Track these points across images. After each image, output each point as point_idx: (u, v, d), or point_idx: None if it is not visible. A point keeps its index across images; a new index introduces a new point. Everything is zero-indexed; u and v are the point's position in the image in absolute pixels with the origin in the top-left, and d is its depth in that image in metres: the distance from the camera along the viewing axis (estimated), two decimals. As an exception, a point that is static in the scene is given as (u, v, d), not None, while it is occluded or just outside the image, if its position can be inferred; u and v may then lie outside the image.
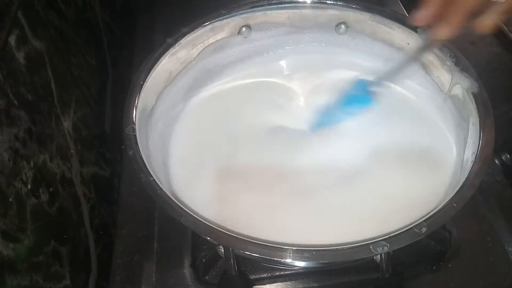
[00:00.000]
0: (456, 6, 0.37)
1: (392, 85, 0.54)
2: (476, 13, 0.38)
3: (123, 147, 0.43)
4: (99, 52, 0.68)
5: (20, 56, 0.42)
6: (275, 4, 0.56)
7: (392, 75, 0.50)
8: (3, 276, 0.36)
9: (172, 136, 0.54)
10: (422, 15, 0.40)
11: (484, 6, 0.38)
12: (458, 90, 0.49)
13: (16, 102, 0.40)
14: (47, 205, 0.44)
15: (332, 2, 0.56)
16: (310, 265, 0.47)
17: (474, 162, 0.41)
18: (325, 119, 0.53)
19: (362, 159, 0.51)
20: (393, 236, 0.36)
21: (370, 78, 0.51)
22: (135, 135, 0.44)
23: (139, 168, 0.41)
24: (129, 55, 0.72)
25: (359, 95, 0.51)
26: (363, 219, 0.46)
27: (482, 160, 0.41)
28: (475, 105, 0.45)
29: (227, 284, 0.41)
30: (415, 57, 0.49)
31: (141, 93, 0.47)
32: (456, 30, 0.39)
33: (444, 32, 0.39)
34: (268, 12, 0.56)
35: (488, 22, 0.38)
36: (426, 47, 0.47)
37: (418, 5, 0.40)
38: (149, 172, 0.41)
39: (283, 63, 0.61)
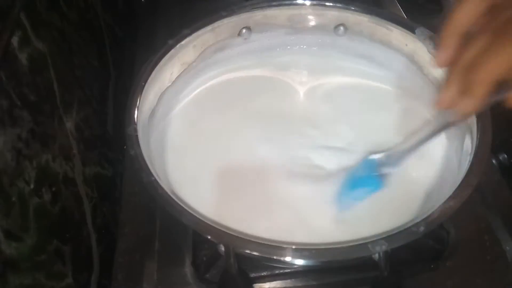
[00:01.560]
0: (480, 73, 0.29)
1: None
2: (507, 81, 0.29)
3: (125, 147, 0.43)
4: (101, 53, 0.68)
5: (23, 57, 0.43)
6: (274, 6, 0.56)
7: (405, 154, 0.44)
8: (6, 275, 0.36)
9: (173, 135, 0.55)
10: (444, 96, 0.33)
11: None
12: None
13: (19, 103, 0.41)
14: (50, 205, 0.44)
15: (331, 4, 0.56)
16: (309, 264, 0.47)
17: (472, 162, 0.41)
18: (343, 202, 0.47)
19: (360, 159, 0.51)
20: (391, 235, 0.37)
21: (379, 156, 0.46)
22: (136, 135, 0.44)
23: (140, 168, 0.42)
24: (131, 56, 0.72)
25: (366, 177, 0.45)
26: (360, 217, 0.46)
27: (480, 160, 0.41)
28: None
29: (228, 282, 0.41)
30: (434, 135, 0.42)
31: (142, 94, 0.48)
32: (482, 102, 0.31)
33: (468, 106, 0.32)
34: (268, 13, 0.57)
35: None
36: (448, 125, 0.40)
37: (438, 89, 0.32)
38: (150, 172, 0.41)
39: (283, 64, 0.62)
